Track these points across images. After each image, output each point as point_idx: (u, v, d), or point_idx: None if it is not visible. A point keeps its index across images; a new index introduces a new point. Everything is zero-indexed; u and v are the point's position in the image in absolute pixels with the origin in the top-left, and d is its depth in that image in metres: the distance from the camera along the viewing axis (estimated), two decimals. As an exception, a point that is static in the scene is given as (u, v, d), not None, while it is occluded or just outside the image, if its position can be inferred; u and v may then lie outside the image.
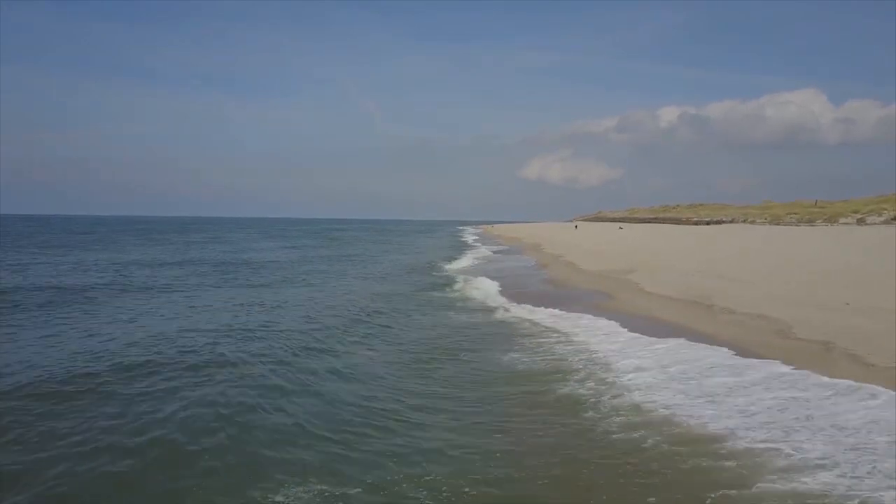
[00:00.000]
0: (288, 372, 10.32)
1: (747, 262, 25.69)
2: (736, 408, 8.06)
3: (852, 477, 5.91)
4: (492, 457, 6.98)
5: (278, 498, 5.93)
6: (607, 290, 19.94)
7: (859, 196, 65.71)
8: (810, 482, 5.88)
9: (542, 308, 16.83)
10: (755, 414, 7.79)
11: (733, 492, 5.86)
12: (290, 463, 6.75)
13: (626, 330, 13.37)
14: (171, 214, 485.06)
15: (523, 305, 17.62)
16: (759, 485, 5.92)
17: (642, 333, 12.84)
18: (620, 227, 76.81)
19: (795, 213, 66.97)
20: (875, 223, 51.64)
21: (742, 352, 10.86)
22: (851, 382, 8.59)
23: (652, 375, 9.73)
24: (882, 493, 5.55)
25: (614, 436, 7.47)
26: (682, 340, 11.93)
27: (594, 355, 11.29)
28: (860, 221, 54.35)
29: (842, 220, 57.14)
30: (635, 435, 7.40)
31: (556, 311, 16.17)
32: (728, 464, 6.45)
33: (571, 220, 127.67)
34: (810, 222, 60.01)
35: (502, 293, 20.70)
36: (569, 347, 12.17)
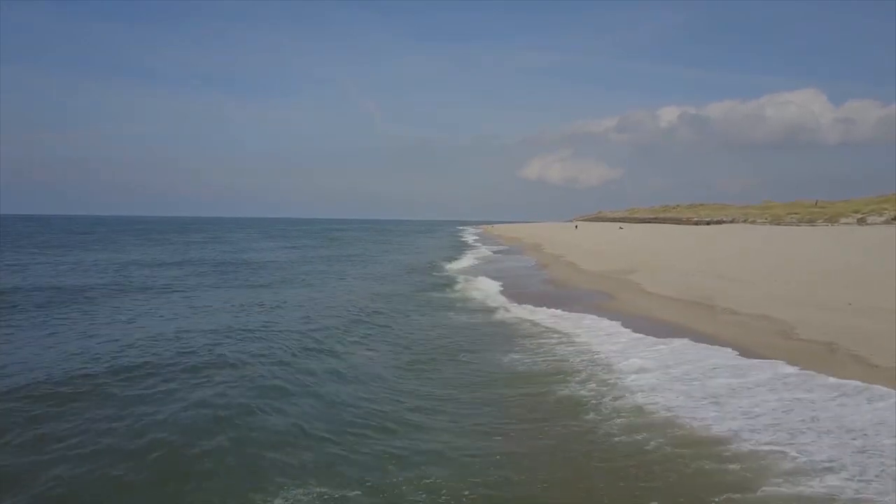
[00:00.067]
0: (287, 373, 10.25)
1: (748, 263, 25.64)
2: (740, 409, 7.96)
3: (860, 480, 5.82)
4: (492, 459, 6.91)
5: (277, 500, 5.88)
6: (608, 291, 19.89)
7: (860, 196, 65.90)
8: (817, 486, 5.79)
9: (543, 308, 16.77)
10: (760, 415, 7.70)
11: (738, 495, 5.77)
12: (290, 465, 6.69)
13: (627, 330, 13.31)
14: (171, 214, 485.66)
15: (524, 306, 17.56)
16: (763, 488, 5.84)
17: (644, 334, 12.77)
18: (621, 228, 76.80)
19: (796, 213, 66.92)
20: (876, 223, 51.56)
21: (745, 352, 10.79)
22: (858, 383, 8.50)
23: (654, 376, 9.65)
24: (890, 497, 5.47)
25: (616, 438, 7.38)
26: (685, 341, 11.86)
27: (596, 356, 11.22)
28: (861, 221, 54.29)
29: (842, 220, 57.08)
30: (637, 437, 7.32)
31: (557, 312, 16.10)
32: (732, 467, 6.36)
33: (571, 221, 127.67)
34: (811, 222, 59.95)
35: (503, 293, 20.67)
36: (570, 348, 12.10)
